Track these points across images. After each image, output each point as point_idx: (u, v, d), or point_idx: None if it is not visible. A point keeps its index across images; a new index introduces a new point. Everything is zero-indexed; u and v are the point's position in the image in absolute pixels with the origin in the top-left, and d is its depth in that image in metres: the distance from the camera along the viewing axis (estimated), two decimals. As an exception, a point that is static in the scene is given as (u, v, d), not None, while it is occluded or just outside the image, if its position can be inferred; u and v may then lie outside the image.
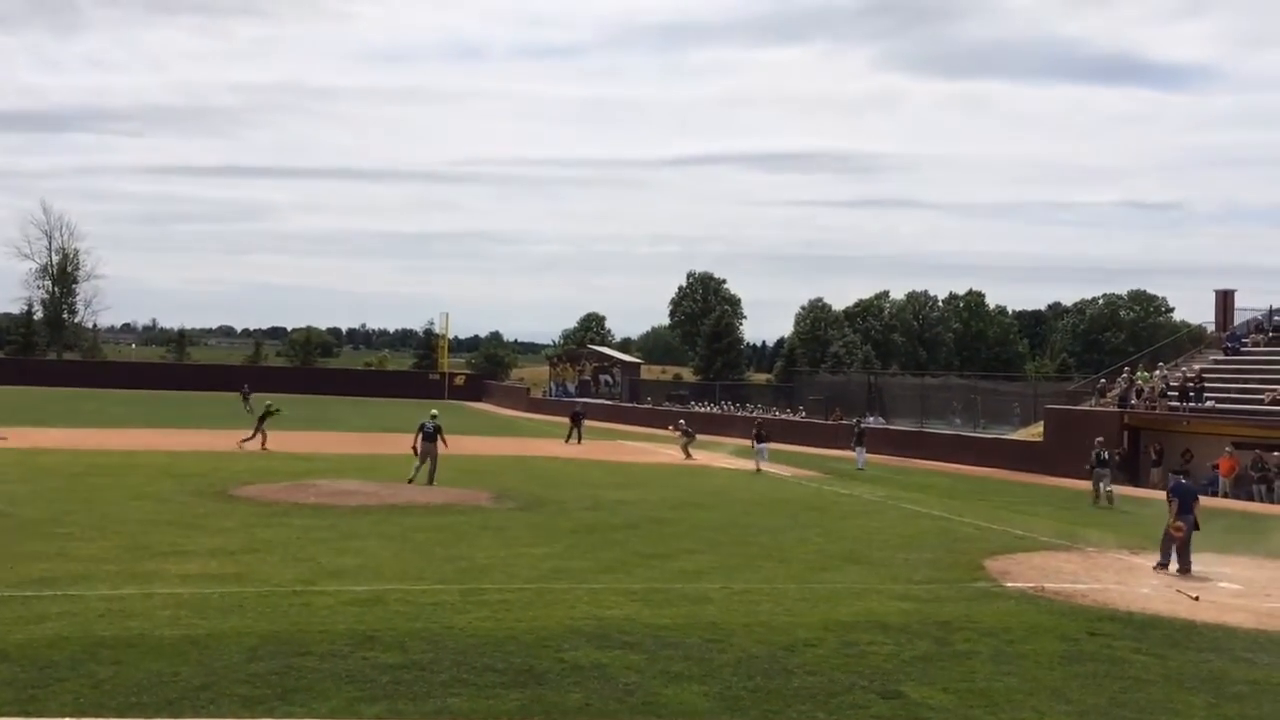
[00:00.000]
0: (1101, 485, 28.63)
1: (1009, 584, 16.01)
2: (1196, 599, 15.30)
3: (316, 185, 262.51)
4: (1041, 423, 40.72)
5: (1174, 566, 17.50)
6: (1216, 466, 32.62)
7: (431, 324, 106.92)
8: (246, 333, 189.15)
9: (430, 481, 25.78)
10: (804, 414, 55.80)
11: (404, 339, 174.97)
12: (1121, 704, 10.10)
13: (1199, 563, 18.18)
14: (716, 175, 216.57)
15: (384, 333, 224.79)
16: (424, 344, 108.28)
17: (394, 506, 21.72)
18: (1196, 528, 17.66)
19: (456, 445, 39.13)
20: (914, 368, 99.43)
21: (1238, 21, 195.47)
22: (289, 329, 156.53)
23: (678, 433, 40.51)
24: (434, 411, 29.33)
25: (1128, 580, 16.87)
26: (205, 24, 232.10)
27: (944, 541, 20.13)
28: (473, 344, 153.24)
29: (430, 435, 26.76)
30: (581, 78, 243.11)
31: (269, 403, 36.13)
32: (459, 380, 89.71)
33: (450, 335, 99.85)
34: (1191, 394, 35.62)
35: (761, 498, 26.56)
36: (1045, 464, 36.62)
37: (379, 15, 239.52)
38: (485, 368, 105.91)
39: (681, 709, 9.36)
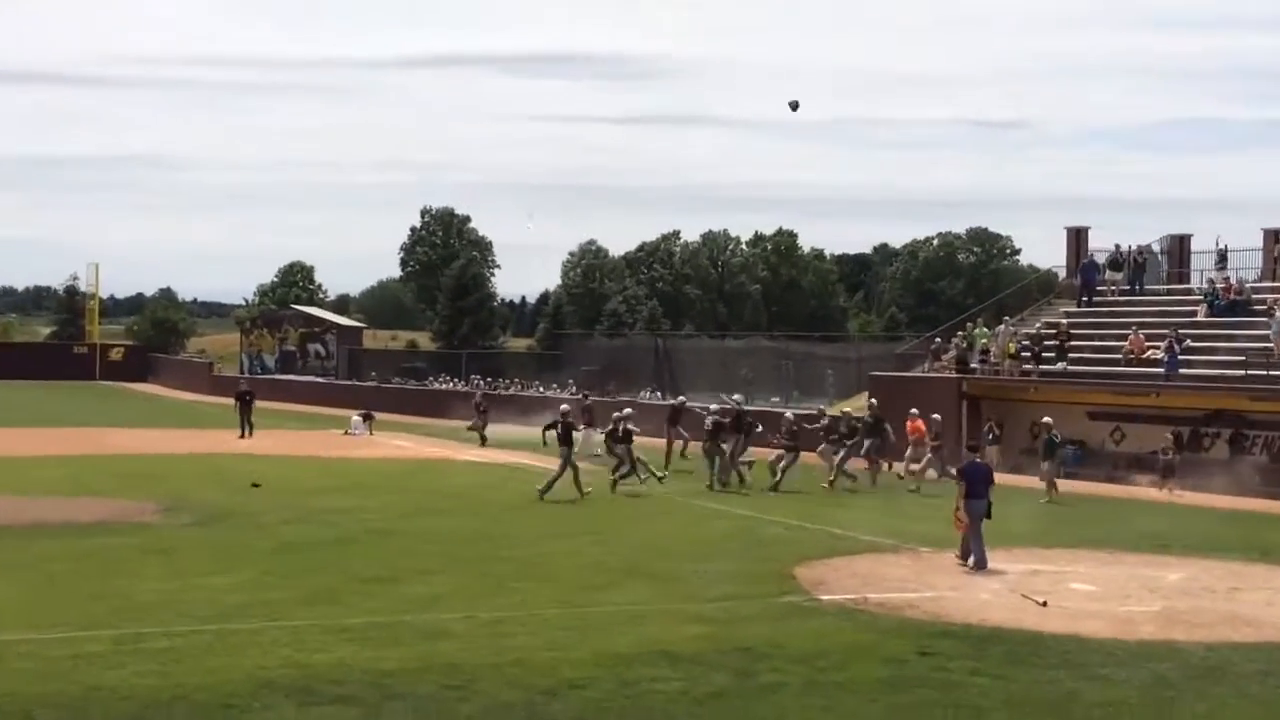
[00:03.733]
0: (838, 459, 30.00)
1: (824, 596, 16.59)
2: (1044, 605, 16.24)
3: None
4: (866, 393, 42.33)
5: (971, 560, 18.98)
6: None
7: (75, 279, 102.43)
8: None
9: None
10: (574, 388, 56.30)
11: (37, 300, 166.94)
12: (956, 739, 10.63)
13: (1044, 560, 19.32)
14: (458, 82, 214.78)
15: (9, 292, 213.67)
16: (65, 306, 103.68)
17: (20, 528, 20.83)
18: (988, 515, 19.07)
19: (110, 442, 37.76)
20: (713, 327, 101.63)
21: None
22: None
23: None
24: (565, 407, 29.80)
25: (965, 585, 17.75)
26: None
27: (746, 546, 20.69)
28: (135, 305, 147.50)
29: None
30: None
31: None
32: (115, 354, 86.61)
33: (102, 294, 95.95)
34: (1052, 353, 37.49)
35: (520, 500, 26.64)
36: (871, 445, 38.08)
37: None
38: (153, 337, 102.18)
39: (410, 779, 9.30)
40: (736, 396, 33.61)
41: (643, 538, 21.56)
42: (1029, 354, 37.87)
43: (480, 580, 17.29)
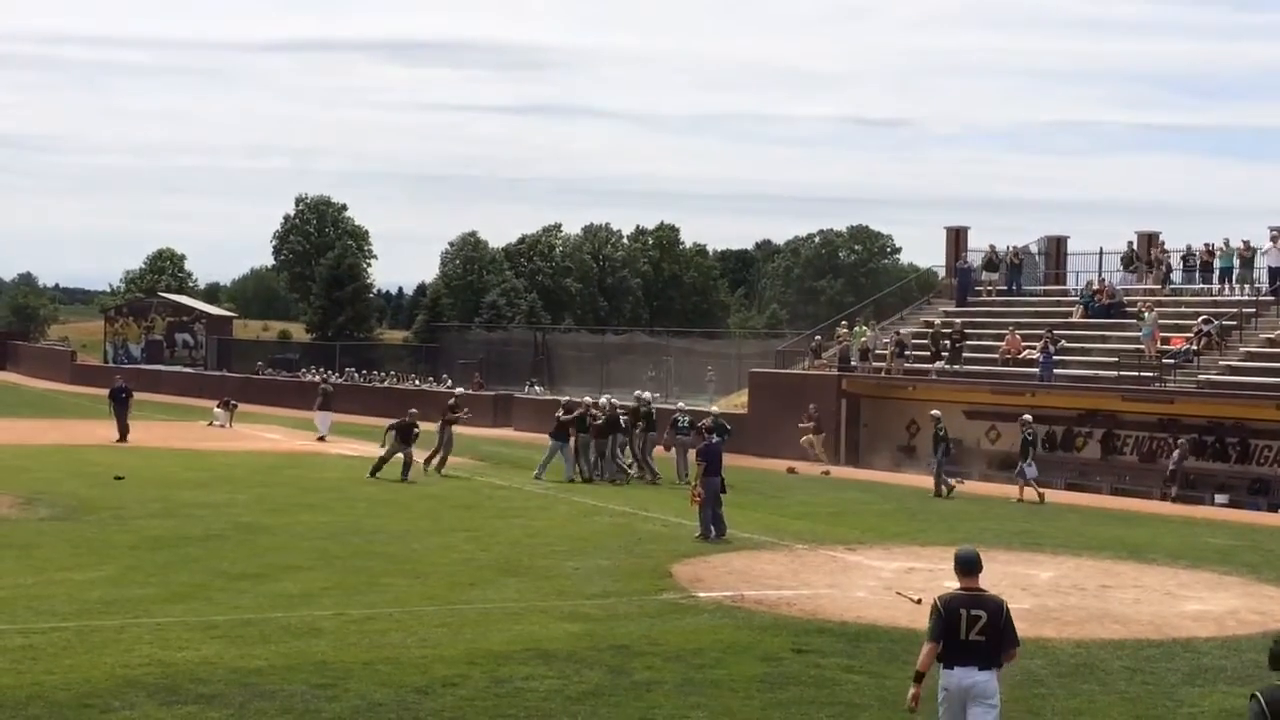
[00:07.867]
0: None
1: (701, 593, 16.75)
2: (919, 602, 16.47)
3: None
4: (745, 390, 42.72)
5: (712, 532, 21.23)
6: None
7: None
8: None
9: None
10: (450, 383, 56.06)
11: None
12: (830, 736, 10.79)
13: (919, 558, 19.71)
14: (335, 67, 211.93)
15: None
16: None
17: None
18: (723, 490, 21.54)
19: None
20: (593, 321, 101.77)
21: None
22: None
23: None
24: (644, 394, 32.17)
25: (841, 583, 18.03)
26: None
27: (624, 543, 20.82)
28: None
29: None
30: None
31: None
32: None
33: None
34: (946, 352, 37.98)
35: (393, 495, 26.61)
36: (749, 441, 38.39)
37: None
38: (12, 323, 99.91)
39: (276, 780, 9.22)
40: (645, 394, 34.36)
41: (517, 534, 21.59)
42: (928, 352, 38.28)
43: (352, 577, 17.20)
